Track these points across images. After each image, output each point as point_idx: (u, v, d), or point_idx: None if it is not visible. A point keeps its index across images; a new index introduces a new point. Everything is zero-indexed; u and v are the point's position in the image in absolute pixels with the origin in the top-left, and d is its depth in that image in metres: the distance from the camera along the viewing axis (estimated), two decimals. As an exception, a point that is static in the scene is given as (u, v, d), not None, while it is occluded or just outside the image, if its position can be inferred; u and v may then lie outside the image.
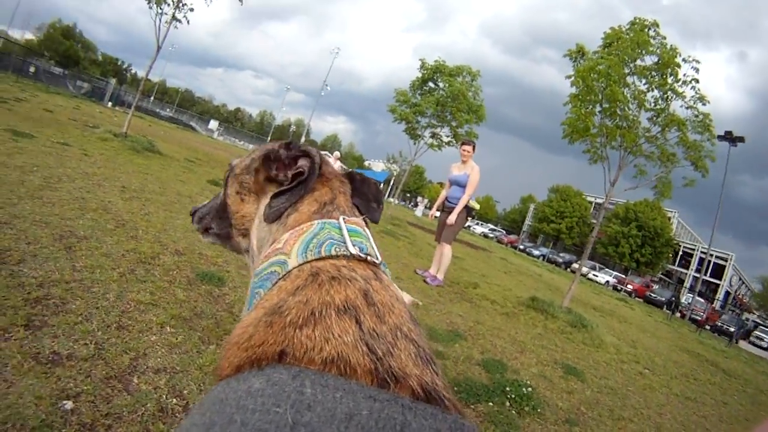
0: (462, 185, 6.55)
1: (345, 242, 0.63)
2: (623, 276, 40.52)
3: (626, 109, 7.53)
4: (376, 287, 0.57)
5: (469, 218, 7.02)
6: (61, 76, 46.62)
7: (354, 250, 0.62)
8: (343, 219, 0.68)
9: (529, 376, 3.87)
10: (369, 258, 0.63)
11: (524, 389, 3.30)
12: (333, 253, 0.61)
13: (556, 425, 3.08)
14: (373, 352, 0.46)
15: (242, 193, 0.79)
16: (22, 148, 5.91)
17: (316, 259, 0.59)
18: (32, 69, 35.87)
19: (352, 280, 0.56)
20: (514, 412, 3.03)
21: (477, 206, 6.77)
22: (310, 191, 0.72)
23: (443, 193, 7.01)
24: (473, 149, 6.73)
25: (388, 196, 54.52)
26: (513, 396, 3.18)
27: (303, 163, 0.73)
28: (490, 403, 3.02)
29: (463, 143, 6.85)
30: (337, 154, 15.97)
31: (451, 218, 6.48)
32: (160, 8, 11.94)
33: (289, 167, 0.74)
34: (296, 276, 0.57)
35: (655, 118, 7.60)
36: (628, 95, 7.51)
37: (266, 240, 0.71)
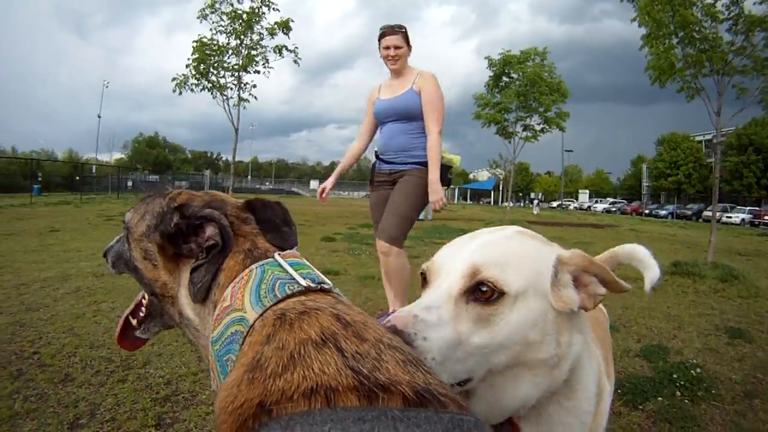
0: (409, 116, 3.25)
1: (294, 278, 0.62)
2: (757, 208, 36.32)
3: (702, 28, 6.86)
4: (344, 309, 0.56)
5: (446, 187, 3.24)
6: (159, 181, 51.10)
7: (306, 283, 0.61)
8: (278, 255, 0.67)
9: (694, 353, 3.41)
10: (323, 286, 0.63)
11: (692, 372, 2.88)
12: (288, 292, 0.60)
13: (734, 403, 2.65)
14: (358, 372, 0.45)
15: (151, 260, 0.74)
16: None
17: (275, 304, 0.58)
18: (130, 183, 39.61)
19: (320, 309, 0.55)
20: (686, 401, 2.63)
21: (456, 160, 3.46)
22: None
23: (355, 147, 3.70)
24: (406, 40, 3.30)
25: (502, 202, 53.81)
26: (682, 383, 2.77)
27: (211, 232, 0.68)
28: (659, 398, 2.63)
29: (382, 35, 3.30)
30: None
31: (434, 195, 3.09)
32: (224, 95, 12.74)
33: (195, 237, 0.69)
34: (262, 326, 0.56)
35: (734, 27, 6.84)
36: (698, 14, 6.84)
37: (204, 305, 0.68)
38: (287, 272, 0.63)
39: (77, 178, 31.54)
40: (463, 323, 0.74)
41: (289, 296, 0.59)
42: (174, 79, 12.70)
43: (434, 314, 0.73)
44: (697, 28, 6.77)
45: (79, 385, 2.42)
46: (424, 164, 3.14)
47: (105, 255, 0.89)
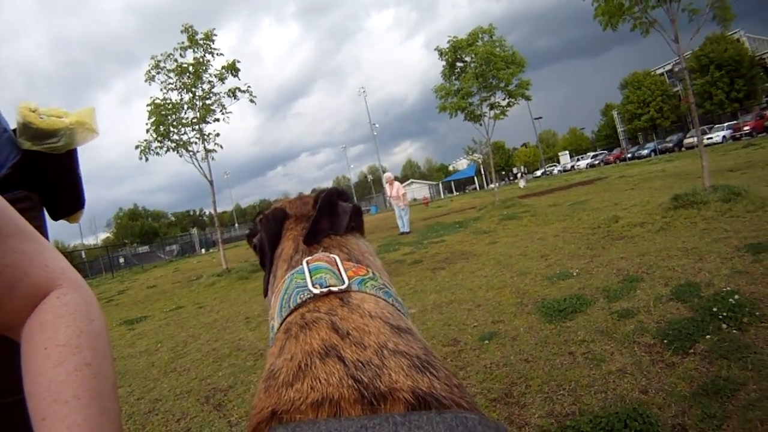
0: None
1: (306, 286, 0.64)
2: (735, 122, 36.65)
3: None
4: (342, 316, 0.57)
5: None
6: (149, 251, 50.61)
7: (315, 290, 0.62)
8: (306, 261, 0.69)
9: (724, 280, 3.32)
10: (330, 289, 0.63)
11: (731, 300, 2.80)
12: (299, 301, 0.62)
13: (782, 319, 2.57)
14: (359, 381, 0.46)
15: None
16: (141, 332, 6.21)
17: (288, 314, 0.61)
18: (121, 260, 39.10)
19: (317, 321, 0.56)
20: (734, 331, 2.54)
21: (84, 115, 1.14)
22: (280, 252, 0.75)
23: None
24: None
25: (488, 184, 54.18)
26: (724, 314, 2.69)
27: (255, 239, 0.80)
28: (707, 336, 2.54)
29: None
30: (388, 175, 15.28)
31: None
32: (190, 151, 12.59)
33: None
34: (276, 338, 0.59)
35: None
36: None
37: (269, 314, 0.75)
38: (305, 280, 0.66)
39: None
40: None
41: (298, 306, 0.61)
42: (137, 146, 12.55)
43: None
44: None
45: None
46: None
47: None
